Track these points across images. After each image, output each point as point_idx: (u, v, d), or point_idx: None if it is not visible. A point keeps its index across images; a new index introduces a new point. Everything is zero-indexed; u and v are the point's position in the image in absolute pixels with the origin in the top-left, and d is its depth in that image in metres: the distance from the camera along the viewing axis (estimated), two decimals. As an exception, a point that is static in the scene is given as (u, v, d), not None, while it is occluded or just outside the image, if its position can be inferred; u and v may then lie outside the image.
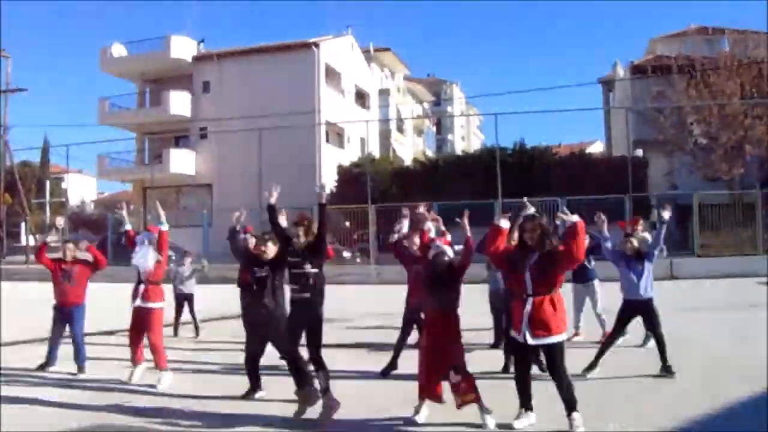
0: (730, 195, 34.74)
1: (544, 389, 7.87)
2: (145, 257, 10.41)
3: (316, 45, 49.66)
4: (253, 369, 9.36)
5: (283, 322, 9.07)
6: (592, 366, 10.26)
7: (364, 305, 17.88)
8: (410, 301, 10.67)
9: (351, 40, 57.99)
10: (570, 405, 7.39)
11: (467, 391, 7.83)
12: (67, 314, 11.18)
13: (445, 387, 8.05)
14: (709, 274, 25.67)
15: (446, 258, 8.32)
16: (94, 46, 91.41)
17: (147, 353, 10.47)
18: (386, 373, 10.52)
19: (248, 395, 9.34)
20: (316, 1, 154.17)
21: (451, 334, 8.04)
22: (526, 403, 7.67)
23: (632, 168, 32.27)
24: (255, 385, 9.40)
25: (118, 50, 53.27)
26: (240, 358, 9.57)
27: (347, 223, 34.52)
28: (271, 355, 9.25)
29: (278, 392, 9.18)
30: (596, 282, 13.35)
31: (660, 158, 42.97)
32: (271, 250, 9.11)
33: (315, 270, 8.84)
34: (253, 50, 51.98)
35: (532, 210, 8.70)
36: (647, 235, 12.87)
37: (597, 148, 72.01)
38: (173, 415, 8.63)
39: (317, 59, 49.32)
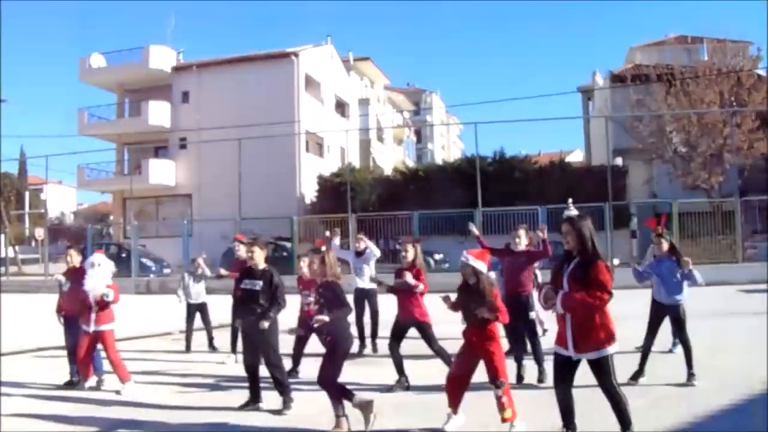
0: (709, 203, 34.91)
1: (537, 398, 7.83)
2: (96, 284, 10.48)
3: (296, 54, 49.62)
4: (252, 379, 9.38)
5: (273, 334, 9.19)
6: (639, 372, 10.21)
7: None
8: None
9: (330, 50, 57.98)
10: (622, 424, 7.01)
11: (506, 406, 7.71)
12: (73, 323, 11.04)
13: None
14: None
15: (471, 270, 8.03)
16: (72, 56, 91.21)
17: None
18: None
19: (246, 406, 9.33)
20: (296, 10, 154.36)
21: (484, 347, 7.89)
22: (567, 421, 7.27)
23: (612, 176, 32.45)
24: (254, 397, 9.40)
25: (97, 61, 53.10)
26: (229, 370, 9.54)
27: (327, 233, 34.43)
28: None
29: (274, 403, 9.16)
30: None
31: (639, 166, 43.24)
32: (258, 254, 9.34)
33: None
34: (232, 60, 51.90)
35: (573, 212, 8.58)
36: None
37: (577, 156, 72.39)
38: (161, 427, 8.59)
39: (297, 69, 49.25)
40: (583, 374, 7.10)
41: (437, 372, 10.04)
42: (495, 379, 7.76)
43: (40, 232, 46.65)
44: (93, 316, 10.44)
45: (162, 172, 50.36)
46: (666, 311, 10.49)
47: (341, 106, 59.22)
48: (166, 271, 38.16)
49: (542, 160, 47.68)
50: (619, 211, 30.58)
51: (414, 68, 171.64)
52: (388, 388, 10.20)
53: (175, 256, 37.16)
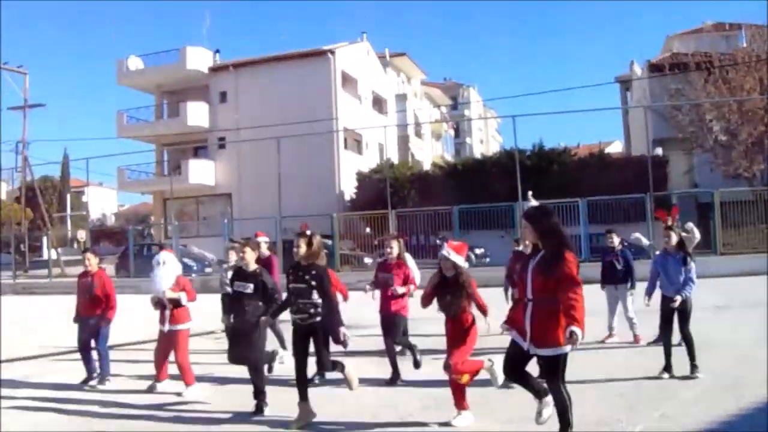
0: (751, 192, 34.53)
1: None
2: (157, 281, 10.27)
3: (332, 52, 49.76)
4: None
5: (261, 337, 9.30)
6: (666, 368, 9.94)
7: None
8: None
9: (366, 46, 58.04)
10: (563, 424, 6.72)
11: (462, 372, 7.77)
12: (87, 325, 11.23)
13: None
14: (732, 272, 25.49)
15: (451, 264, 8.05)
16: (110, 59, 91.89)
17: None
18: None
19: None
20: (331, 8, 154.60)
21: (459, 337, 7.95)
22: (538, 393, 6.97)
23: (652, 167, 32.06)
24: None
25: (135, 63, 53.56)
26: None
27: (368, 230, 34.49)
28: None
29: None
30: (628, 284, 13.23)
31: (680, 156, 42.91)
32: (249, 255, 9.37)
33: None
34: (268, 59, 52.21)
35: (533, 203, 8.46)
36: (695, 230, 12.52)
37: (616, 147, 72.04)
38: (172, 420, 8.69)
39: (333, 66, 49.41)
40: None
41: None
42: (449, 365, 7.80)
43: (82, 234, 47.01)
44: (167, 315, 10.25)
45: (201, 172, 50.72)
46: (672, 305, 10.06)
47: (379, 103, 59.23)
48: (208, 270, 38.31)
49: (582, 152, 47.48)
50: (660, 201, 30.26)
51: (451, 62, 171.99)
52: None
53: (216, 255, 37.32)
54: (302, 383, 8.43)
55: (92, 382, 11.03)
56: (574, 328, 6.27)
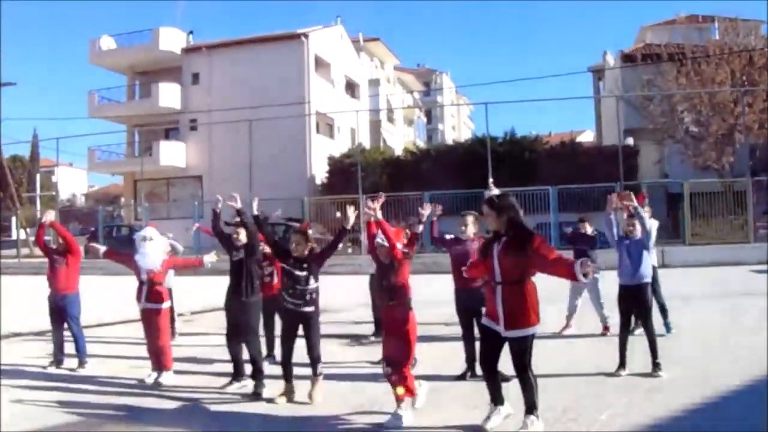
0: (721, 183, 34.81)
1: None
2: (149, 257, 10.05)
3: (306, 35, 49.50)
4: (235, 356, 9.43)
5: (255, 314, 9.50)
6: (621, 365, 9.57)
7: (355, 296, 17.67)
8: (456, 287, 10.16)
9: (340, 30, 57.81)
10: (529, 406, 6.86)
11: (397, 383, 7.63)
12: (59, 302, 11.12)
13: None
14: (700, 263, 25.72)
15: (386, 250, 7.98)
16: (83, 38, 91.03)
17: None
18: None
19: (230, 383, 9.36)
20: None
21: (396, 327, 7.80)
22: (496, 398, 7.15)
23: (623, 157, 32.32)
24: (238, 372, 9.42)
25: (107, 43, 53.04)
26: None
27: (338, 214, 34.44)
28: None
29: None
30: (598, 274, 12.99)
31: (650, 147, 43.09)
32: (243, 235, 9.58)
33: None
34: (242, 41, 51.79)
35: (494, 191, 8.51)
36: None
37: (587, 137, 72.31)
38: (171, 414, 8.56)
39: (307, 50, 49.14)
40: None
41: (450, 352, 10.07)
42: (392, 360, 7.72)
43: (50, 215, 46.69)
44: (144, 290, 9.99)
45: (172, 154, 50.36)
46: (632, 293, 9.75)
47: (351, 87, 59.09)
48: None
49: (553, 141, 47.70)
50: (630, 191, 30.43)
51: (424, 48, 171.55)
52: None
53: (185, 237, 37.16)
54: (287, 367, 8.53)
55: (73, 365, 10.91)
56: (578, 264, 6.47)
